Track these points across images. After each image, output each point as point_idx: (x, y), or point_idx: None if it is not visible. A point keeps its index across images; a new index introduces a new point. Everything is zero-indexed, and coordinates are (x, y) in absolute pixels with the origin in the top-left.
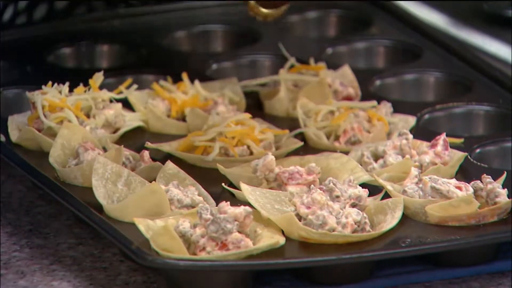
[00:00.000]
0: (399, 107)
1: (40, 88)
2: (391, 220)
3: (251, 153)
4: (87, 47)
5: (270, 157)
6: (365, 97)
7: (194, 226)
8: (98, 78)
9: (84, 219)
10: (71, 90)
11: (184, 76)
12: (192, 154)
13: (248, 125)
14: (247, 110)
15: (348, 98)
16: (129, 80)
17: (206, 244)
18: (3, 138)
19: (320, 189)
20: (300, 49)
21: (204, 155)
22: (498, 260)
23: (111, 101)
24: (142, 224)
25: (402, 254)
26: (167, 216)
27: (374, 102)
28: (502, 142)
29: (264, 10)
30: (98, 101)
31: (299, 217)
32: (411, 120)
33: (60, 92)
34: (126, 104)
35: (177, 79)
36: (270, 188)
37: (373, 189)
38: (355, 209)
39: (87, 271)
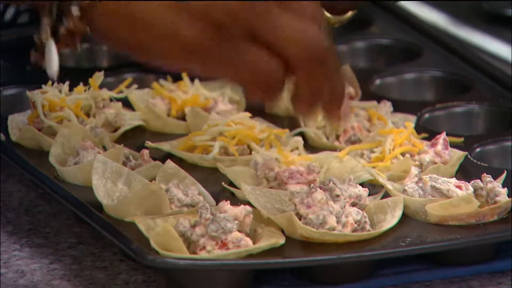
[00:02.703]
0: (399, 106)
1: (40, 88)
2: (391, 219)
3: (251, 152)
4: (87, 46)
5: (271, 156)
6: (365, 96)
7: (194, 225)
8: (98, 77)
9: (84, 218)
10: (71, 89)
11: (184, 75)
12: (192, 153)
13: (248, 125)
14: (247, 109)
15: (348, 97)
16: (129, 79)
17: (206, 243)
18: (3, 138)
19: (320, 188)
20: None
21: (204, 154)
22: (498, 259)
23: (111, 100)
24: (142, 223)
25: (402, 253)
26: (167, 215)
27: (374, 102)
28: (502, 141)
29: (330, 17)
30: (98, 100)
31: (299, 216)
32: (411, 119)
33: (60, 91)
34: (126, 103)
35: (177, 78)
36: (270, 187)
37: (373, 188)
38: (355, 208)
39: (87, 270)
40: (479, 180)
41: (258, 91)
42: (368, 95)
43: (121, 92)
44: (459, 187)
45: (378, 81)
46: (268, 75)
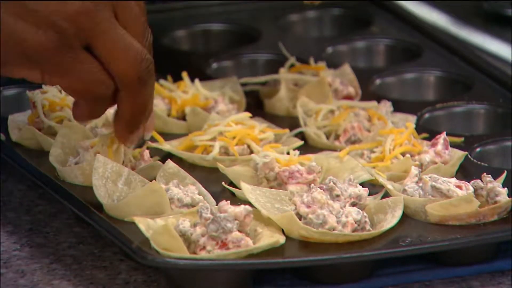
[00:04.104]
0: (399, 106)
1: (41, 87)
2: (391, 219)
3: (251, 152)
4: None
5: (271, 156)
6: (365, 96)
7: (194, 225)
8: None
9: (84, 218)
10: None
11: (184, 75)
12: (192, 153)
13: (248, 125)
14: (247, 109)
15: (348, 97)
16: None
17: (206, 243)
18: (3, 137)
19: (320, 188)
20: (300, 48)
21: (204, 154)
22: (498, 259)
23: None
24: (142, 223)
25: (402, 253)
26: (167, 215)
27: (375, 102)
28: (502, 141)
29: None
30: None
31: (299, 216)
32: (411, 119)
33: (60, 91)
34: None
35: (177, 78)
36: (270, 187)
37: (373, 188)
38: (355, 208)
39: (87, 270)
40: (479, 180)
41: (85, 105)
42: (368, 95)
43: None
44: (459, 187)
45: (378, 81)
46: (95, 87)
